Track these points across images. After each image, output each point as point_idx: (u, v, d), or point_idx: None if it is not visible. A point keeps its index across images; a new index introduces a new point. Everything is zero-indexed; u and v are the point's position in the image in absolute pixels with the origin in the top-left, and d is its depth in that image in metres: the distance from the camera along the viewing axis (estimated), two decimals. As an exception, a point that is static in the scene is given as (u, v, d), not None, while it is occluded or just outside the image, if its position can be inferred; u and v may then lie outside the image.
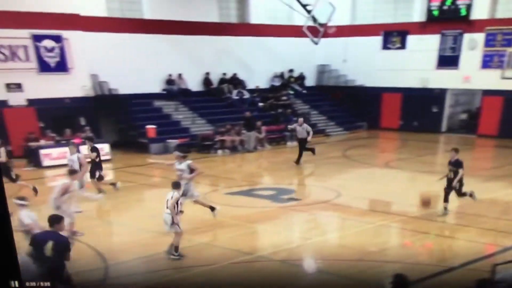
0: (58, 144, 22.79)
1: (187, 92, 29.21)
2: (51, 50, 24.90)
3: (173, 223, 11.33)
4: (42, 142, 22.80)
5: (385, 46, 32.80)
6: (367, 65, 32.58)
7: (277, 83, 32.92)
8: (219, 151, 24.55)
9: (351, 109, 32.95)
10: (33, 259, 7.80)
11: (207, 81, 30.36)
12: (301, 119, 22.66)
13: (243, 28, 31.91)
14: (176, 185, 11.62)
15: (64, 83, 25.05)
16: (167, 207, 11.36)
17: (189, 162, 13.91)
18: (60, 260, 7.86)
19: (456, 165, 13.94)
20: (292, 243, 12.69)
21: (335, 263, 11.03)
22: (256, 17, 32.39)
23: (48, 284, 7.16)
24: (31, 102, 24.29)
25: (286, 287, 9.94)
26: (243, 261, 11.12)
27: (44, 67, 24.90)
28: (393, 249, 12.22)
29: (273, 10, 32.49)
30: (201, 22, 29.71)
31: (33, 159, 21.97)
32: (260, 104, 30.49)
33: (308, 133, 21.97)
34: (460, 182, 14.04)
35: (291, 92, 32.79)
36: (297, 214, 15.09)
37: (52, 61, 25.03)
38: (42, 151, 21.92)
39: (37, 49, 24.59)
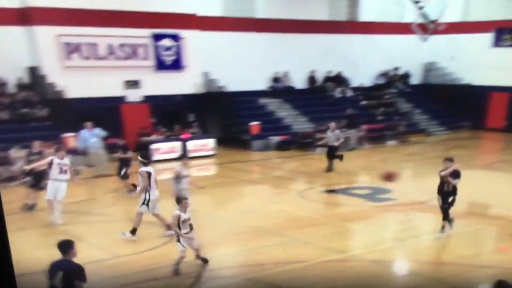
0: (167, 139, 23.74)
1: (292, 90, 29.37)
2: (168, 49, 25.87)
3: (177, 240, 10.29)
4: (153, 137, 23.80)
5: (496, 44, 31.36)
6: (475, 63, 31.22)
7: (381, 81, 32.37)
8: (318, 149, 24.40)
9: (455, 108, 31.70)
10: None
11: (311, 79, 30.35)
12: (332, 124, 20.91)
13: (352, 26, 31.59)
14: (177, 201, 10.52)
15: (177, 81, 26.00)
16: None
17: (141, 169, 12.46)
18: None
19: (454, 175, 12.11)
20: (385, 243, 12.50)
21: (428, 265, 10.79)
22: (365, 15, 31.99)
23: None
24: (146, 98, 25.36)
25: (377, 287, 9.87)
26: (335, 260, 11.05)
27: (160, 65, 25.93)
28: (489, 254, 11.76)
29: (384, 7, 31.91)
30: (311, 20, 29.73)
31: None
32: (362, 102, 30.14)
33: (338, 139, 20.37)
34: (454, 198, 12.25)
35: (395, 90, 32.14)
36: (392, 214, 14.81)
37: (168, 59, 25.99)
38: (152, 146, 22.80)
39: (155, 47, 25.65)
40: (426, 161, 22.02)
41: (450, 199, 12.23)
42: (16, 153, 18.86)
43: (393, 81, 32.65)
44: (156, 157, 22.28)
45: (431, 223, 14.20)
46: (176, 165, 13.26)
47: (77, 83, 23.01)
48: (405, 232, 13.38)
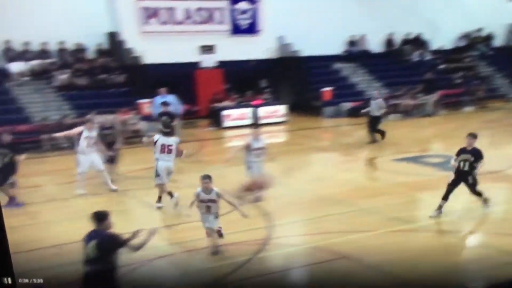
0: (239, 105, 23.89)
1: (367, 53, 28.75)
2: (244, 12, 25.89)
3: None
4: (226, 103, 24.03)
5: None
6: None
7: (462, 43, 31.15)
8: (391, 115, 23.76)
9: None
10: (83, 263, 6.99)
11: (389, 42, 29.57)
12: (376, 92, 20.10)
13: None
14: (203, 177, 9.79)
15: (252, 45, 25.97)
16: None
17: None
18: (107, 262, 6.94)
19: (474, 154, 11.37)
20: (454, 214, 12.24)
21: (499, 237, 10.53)
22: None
23: (40, 281, 6.69)
24: (220, 64, 25.47)
25: (443, 259, 9.73)
26: (402, 230, 10.93)
27: (236, 29, 25.98)
28: None
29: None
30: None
31: (215, 119, 23.32)
32: (441, 66, 29.19)
33: (380, 109, 19.31)
34: (475, 177, 11.49)
35: (476, 53, 30.91)
36: (463, 184, 14.46)
37: (244, 23, 26.01)
38: (224, 112, 23.08)
39: (232, 11, 25.70)
40: (504, 128, 21.25)
41: (470, 180, 11.58)
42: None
43: (475, 43, 31.36)
44: (227, 123, 22.61)
45: (504, 193, 13.83)
46: (247, 136, 13.17)
47: (154, 48, 23.34)
48: (476, 203, 13.06)
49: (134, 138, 19.26)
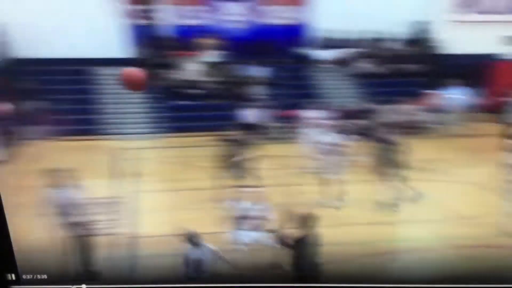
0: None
1: None
2: None
3: None
4: (512, 98, 22.69)
5: None
6: None
7: None
8: None
9: None
10: None
11: None
12: None
13: None
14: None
15: None
16: None
17: None
18: None
19: None
20: None
21: None
22: None
23: (44, 276, 6.60)
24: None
25: None
26: None
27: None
28: None
29: None
30: None
31: (502, 114, 21.87)
32: None
33: None
34: None
35: None
36: None
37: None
38: (512, 108, 21.69)
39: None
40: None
41: None
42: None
43: None
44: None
45: None
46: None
47: (456, 38, 23.16)
48: None
49: (412, 129, 19.69)
